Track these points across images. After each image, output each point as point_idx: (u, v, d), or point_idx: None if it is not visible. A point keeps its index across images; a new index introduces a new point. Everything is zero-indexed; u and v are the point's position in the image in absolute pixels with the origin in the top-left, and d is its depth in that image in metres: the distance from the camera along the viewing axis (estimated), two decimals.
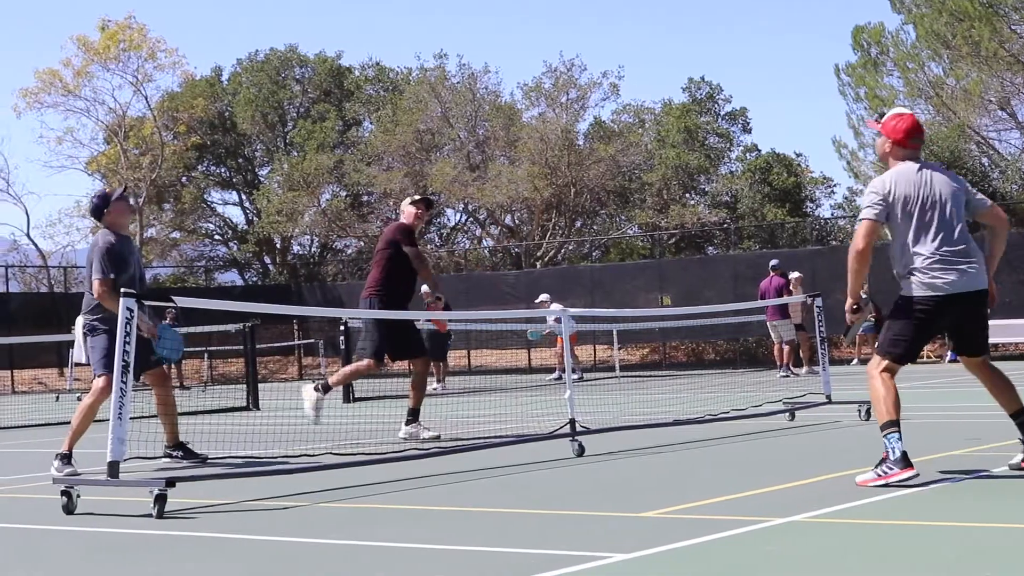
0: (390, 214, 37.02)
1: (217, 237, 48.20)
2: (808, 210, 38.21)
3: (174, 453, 9.27)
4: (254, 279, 46.33)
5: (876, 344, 7.03)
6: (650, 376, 25.19)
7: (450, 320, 19.84)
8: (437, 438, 10.53)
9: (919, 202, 6.68)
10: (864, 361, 25.30)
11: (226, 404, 17.23)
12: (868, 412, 10.88)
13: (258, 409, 16.83)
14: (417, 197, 11.45)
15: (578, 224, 40.40)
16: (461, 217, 44.00)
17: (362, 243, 41.02)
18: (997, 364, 7.06)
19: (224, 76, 46.34)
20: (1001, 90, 32.24)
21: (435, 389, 20.65)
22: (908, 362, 6.89)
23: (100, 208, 9.09)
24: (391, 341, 10.69)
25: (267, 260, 46.42)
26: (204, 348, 31.23)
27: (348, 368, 11.09)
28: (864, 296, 7.06)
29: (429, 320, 10.92)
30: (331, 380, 10.71)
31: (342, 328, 18.39)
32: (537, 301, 24.31)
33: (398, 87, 42.92)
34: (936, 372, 19.93)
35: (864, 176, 35.10)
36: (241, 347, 21.17)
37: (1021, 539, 5.14)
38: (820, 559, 4.79)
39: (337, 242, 44.68)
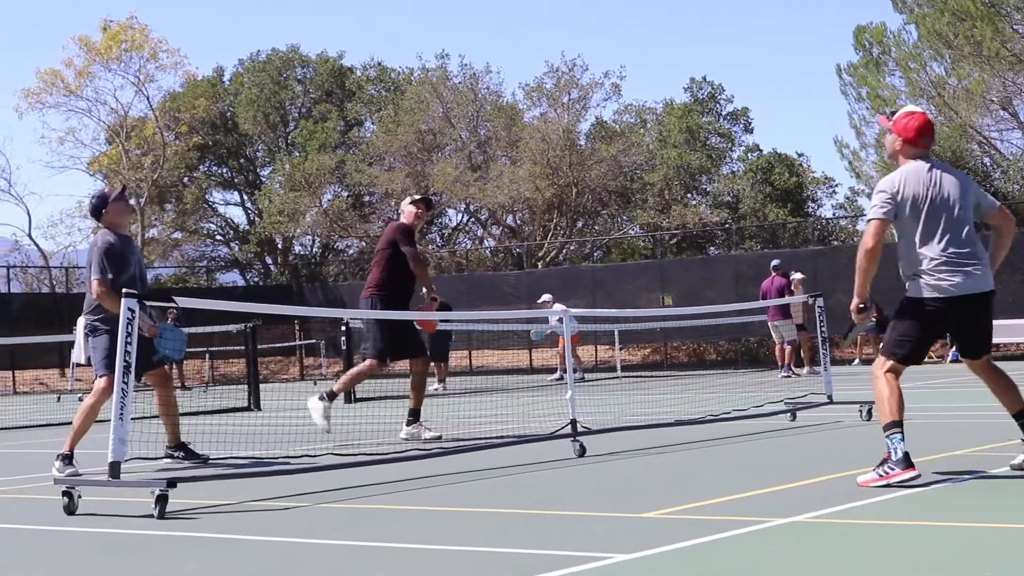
0: (392, 214, 36.99)
1: (219, 237, 48.22)
2: (810, 210, 38.20)
3: (175, 453, 9.26)
4: (255, 279, 46.35)
5: (881, 344, 7.01)
6: (651, 376, 25.19)
7: (451, 321, 19.86)
8: (438, 438, 10.53)
9: (927, 202, 6.66)
10: (866, 361, 25.31)
11: (227, 404, 17.23)
12: (869, 412, 10.87)
13: (259, 410, 16.83)
14: (417, 197, 11.44)
15: (580, 224, 40.40)
16: (463, 217, 44.04)
17: (364, 243, 41.01)
18: (998, 364, 7.06)
19: (226, 76, 46.38)
20: (1003, 90, 32.22)
21: (436, 390, 20.64)
22: (913, 363, 6.86)
23: (99, 208, 9.08)
24: (391, 341, 10.69)
25: (268, 260, 46.44)
26: (205, 348, 31.23)
27: (351, 372, 11.06)
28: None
29: (415, 321, 10.90)
30: (335, 387, 10.69)
31: (344, 328, 18.39)
32: (539, 301, 24.31)
33: (400, 87, 42.93)
34: (937, 372, 19.92)
35: (866, 176, 35.09)
36: (242, 347, 21.17)
37: (1022, 539, 5.14)
38: (821, 559, 4.79)
39: (339, 242, 44.69)
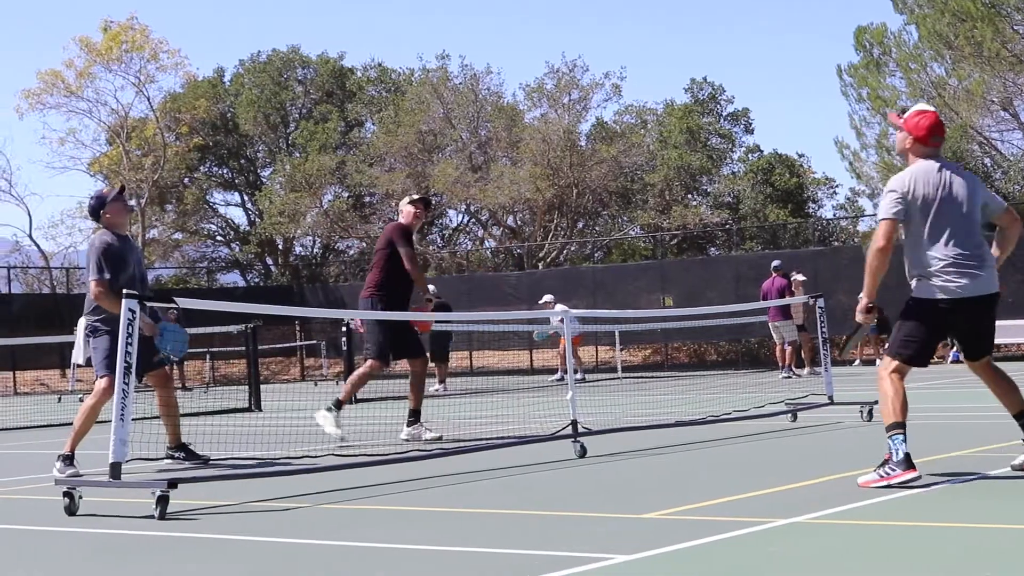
0: (392, 215, 37.00)
1: (219, 238, 48.23)
2: (810, 211, 38.22)
3: (176, 454, 9.26)
4: (256, 280, 46.35)
5: (887, 345, 7.00)
6: (652, 377, 25.19)
7: (452, 321, 19.86)
8: (439, 439, 10.52)
9: (937, 203, 6.64)
10: (866, 362, 25.31)
11: (228, 405, 17.24)
12: (871, 413, 10.88)
13: (260, 410, 16.83)
14: (415, 196, 11.41)
15: (580, 225, 40.40)
16: (463, 218, 44.06)
17: (364, 244, 41.02)
18: (998, 365, 7.05)
19: (226, 77, 46.39)
20: (1004, 91, 32.19)
21: (437, 390, 20.65)
22: (919, 364, 6.84)
23: (97, 209, 9.07)
24: (392, 340, 10.69)
25: (269, 261, 46.44)
26: (206, 349, 31.23)
27: (354, 376, 11.00)
28: None
29: (412, 321, 10.89)
30: (341, 395, 10.66)
31: (344, 329, 18.38)
32: (541, 302, 24.33)
33: (400, 88, 42.93)
34: (938, 373, 19.91)
35: (867, 177, 35.04)
36: (243, 348, 21.16)
37: (1022, 540, 5.14)
38: (822, 560, 4.78)
39: (339, 243, 44.70)
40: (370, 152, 39.58)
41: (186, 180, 44.90)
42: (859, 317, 6.92)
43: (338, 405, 10.49)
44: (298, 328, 34.26)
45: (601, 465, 8.40)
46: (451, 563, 5.05)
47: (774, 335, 22.10)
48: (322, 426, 10.40)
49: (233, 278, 47.68)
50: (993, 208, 6.85)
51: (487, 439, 10.42)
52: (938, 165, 6.75)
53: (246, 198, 46.54)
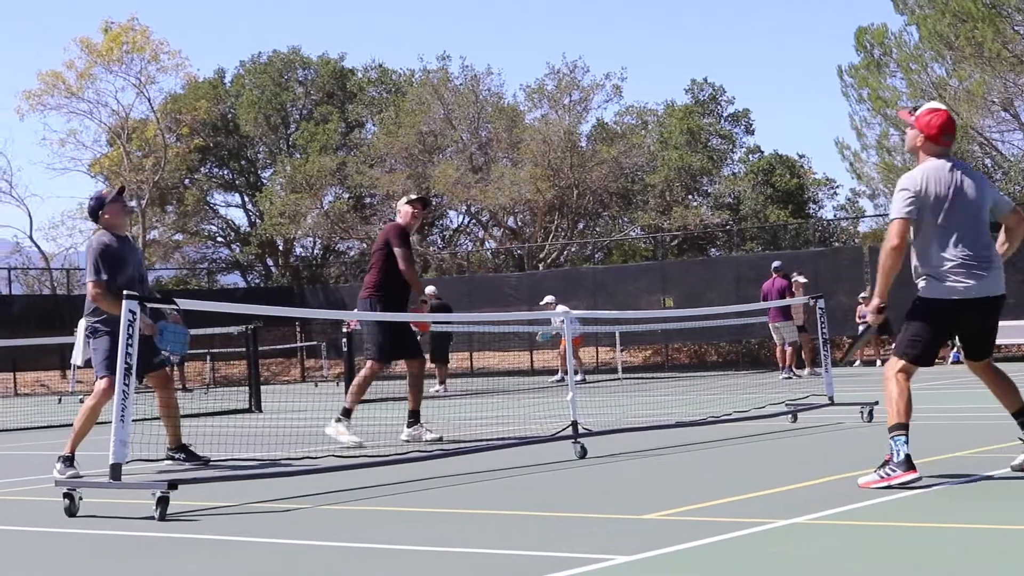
0: (393, 216, 37.00)
1: (220, 239, 48.23)
2: (811, 211, 38.21)
3: (176, 455, 9.26)
4: (256, 281, 46.35)
5: (892, 345, 6.99)
6: (652, 378, 25.19)
7: (452, 322, 19.86)
8: (439, 440, 10.52)
9: (947, 203, 6.63)
10: (867, 363, 25.31)
11: (228, 406, 17.24)
12: (871, 414, 10.88)
13: (260, 411, 16.83)
14: (413, 196, 11.39)
15: (581, 226, 40.40)
16: (464, 219, 44.06)
17: (365, 245, 41.00)
18: (999, 365, 7.05)
19: (227, 78, 46.39)
20: (1004, 91, 32.21)
21: (437, 391, 20.64)
22: (925, 364, 6.83)
23: (96, 210, 9.07)
24: (391, 340, 10.68)
25: (269, 262, 46.44)
26: (207, 350, 31.23)
27: (356, 380, 10.95)
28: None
29: (412, 323, 10.88)
30: (347, 404, 10.63)
31: (344, 330, 18.38)
32: (542, 303, 24.33)
33: (401, 89, 42.94)
34: (939, 373, 19.92)
35: (867, 177, 35.09)
36: (243, 349, 21.16)
37: (1022, 541, 5.14)
38: (823, 561, 4.78)
39: (340, 244, 44.69)
40: (371, 153, 39.58)
41: (187, 181, 44.90)
42: (870, 318, 6.91)
43: (346, 414, 10.47)
44: (298, 329, 34.26)
45: (601, 466, 8.40)
46: (451, 564, 5.04)
47: (774, 336, 22.10)
48: (335, 438, 10.33)
49: (233, 279, 47.69)
50: (1001, 208, 6.85)
51: (487, 440, 10.42)
52: (949, 164, 6.74)
53: (247, 199, 46.55)
